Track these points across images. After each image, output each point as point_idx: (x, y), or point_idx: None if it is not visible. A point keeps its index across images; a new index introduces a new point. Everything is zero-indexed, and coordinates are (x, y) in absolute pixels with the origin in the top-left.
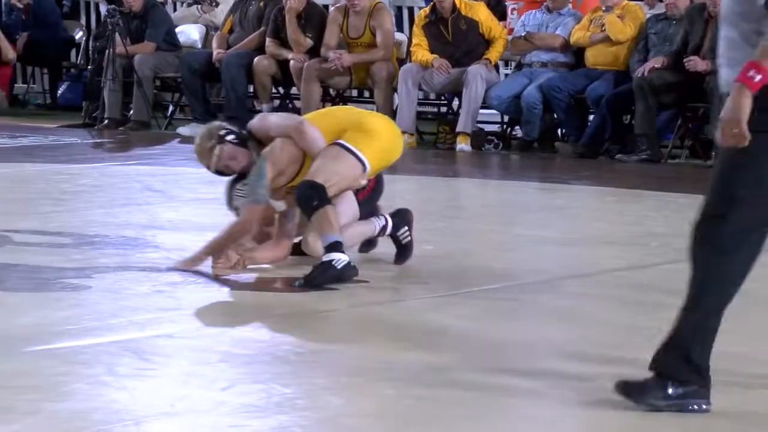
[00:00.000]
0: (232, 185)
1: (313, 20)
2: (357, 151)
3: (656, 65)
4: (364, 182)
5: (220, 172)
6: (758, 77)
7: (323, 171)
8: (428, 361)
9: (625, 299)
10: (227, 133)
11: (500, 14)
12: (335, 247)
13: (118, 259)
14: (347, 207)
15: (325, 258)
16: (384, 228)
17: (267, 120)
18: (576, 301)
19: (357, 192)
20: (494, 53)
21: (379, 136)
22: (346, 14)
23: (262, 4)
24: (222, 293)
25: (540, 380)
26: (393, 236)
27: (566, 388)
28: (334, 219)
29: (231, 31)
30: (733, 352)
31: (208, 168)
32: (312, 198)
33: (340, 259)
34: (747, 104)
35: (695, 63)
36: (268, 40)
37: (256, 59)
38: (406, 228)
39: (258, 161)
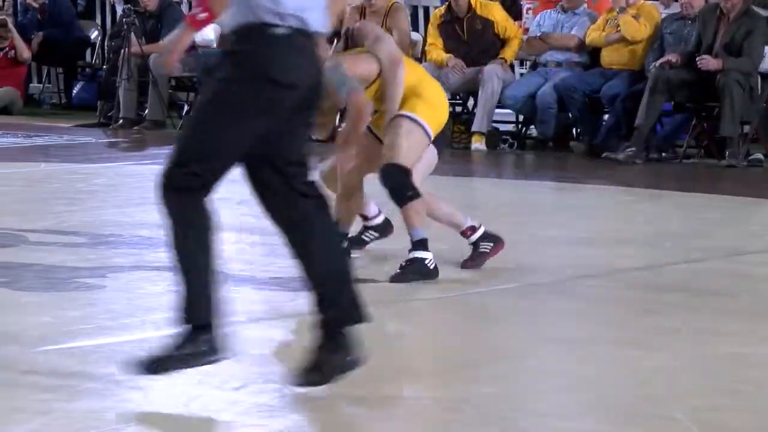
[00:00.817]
0: None
1: None
2: (425, 124)
3: (671, 59)
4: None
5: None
6: (202, 15)
7: (404, 151)
8: (439, 363)
9: (640, 299)
10: None
11: (515, 14)
12: (424, 244)
13: (132, 259)
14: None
15: (417, 255)
16: (473, 230)
17: (374, 30)
18: (592, 301)
19: None
20: (509, 53)
21: (438, 105)
22: (363, 14)
23: None
24: (235, 293)
25: (556, 378)
26: (475, 243)
27: (583, 390)
28: (423, 213)
29: None
30: None
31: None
32: (406, 188)
33: (430, 258)
34: (185, 39)
35: (707, 62)
36: None
37: None
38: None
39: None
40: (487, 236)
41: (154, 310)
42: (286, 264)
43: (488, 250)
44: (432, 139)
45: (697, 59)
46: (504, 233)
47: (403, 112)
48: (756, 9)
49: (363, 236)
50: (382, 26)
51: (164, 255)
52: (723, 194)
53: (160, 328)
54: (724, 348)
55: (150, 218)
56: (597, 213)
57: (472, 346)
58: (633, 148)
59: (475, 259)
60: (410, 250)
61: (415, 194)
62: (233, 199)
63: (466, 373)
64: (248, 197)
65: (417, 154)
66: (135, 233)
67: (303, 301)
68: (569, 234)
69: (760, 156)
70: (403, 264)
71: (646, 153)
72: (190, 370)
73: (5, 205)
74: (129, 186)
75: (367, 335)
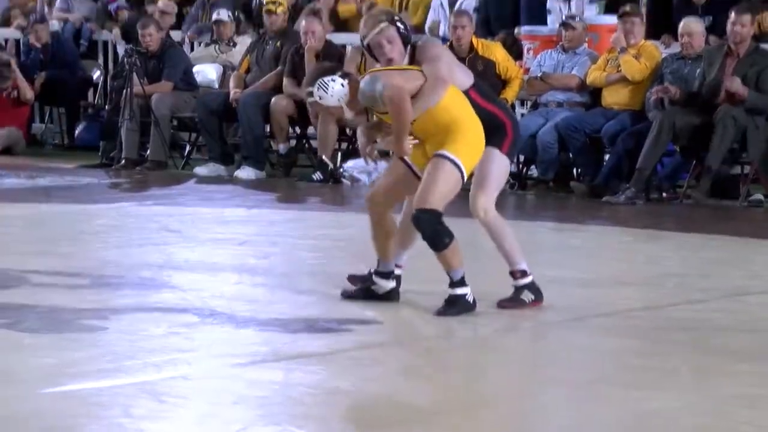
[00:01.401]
0: (321, 74)
1: (331, 59)
2: (464, 169)
3: (671, 90)
4: None
5: (368, 47)
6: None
7: (440, 196)
8: (442, 403)
9: (643, 339)
10: (401, 22)
11: (516, 54)
12: (462, 281)
13: (134, 300)
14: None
15: (459, 292)
16: (523, 275)
17: (435, 50)
18: (594, 341)
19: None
20: (511, 93)
21: (478, 148)
22: (364, 54)
23: (279, 44)
24: (237, 334)
25: (559, 419)
26: (519, 288)
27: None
28: (459, 254)
29: (248, 70)
30: None
31: (363, 37)
32: (443, 235)
33: (469, 293)
34: None
35: (737, 83)
36: (285, 79)
37: (273, 99)
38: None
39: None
40: (532, 287)
41: (156, 351)
42: (288, 305)
43: (528, 302)
44: (465, 179)
45: (725, 81)
46: (506, 273)
47: (448, 153)
48: (763, 46)
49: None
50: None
51: (166, 296)
52: (724, 234)
53: (162, 370)
54: (727, 389)
55: (152, 259)
56: (598, 253)
57: (476, 385)
58: (633, 189)
59: (514, 303)
60: (450, 286)
61: (451, 239)
62: (235, 240)
63: (469, 413)
64: (248, 238)
65: (449, 198)
66: (137, 274)
67: (304, 343)
68: (572, 274)
69: (760, 196)
70: (447, 299)
71: (646, 193)
72: (190, 413)
73: (8, 246)
74: (131, 227)
75: (371, 373)
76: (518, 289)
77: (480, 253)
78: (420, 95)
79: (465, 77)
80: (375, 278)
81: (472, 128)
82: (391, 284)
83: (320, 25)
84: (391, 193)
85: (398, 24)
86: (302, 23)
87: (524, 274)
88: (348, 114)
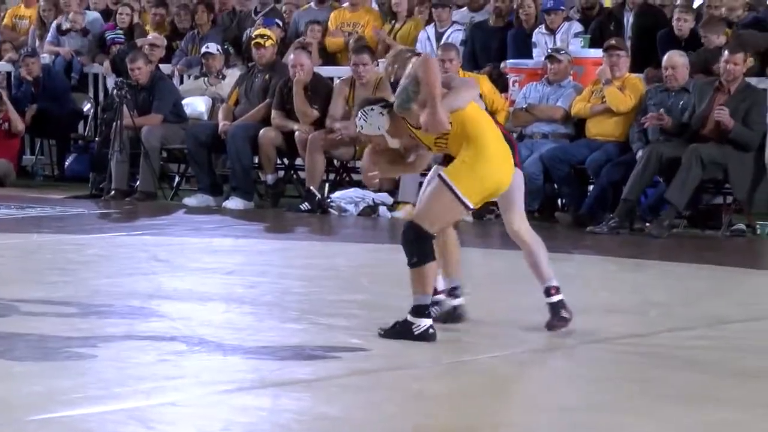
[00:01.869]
0: (363, 105)
1: (319, 92)
2: (459, 192)
3: (663, 119)
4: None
5: (394, 83)
6: None
7: (431, 215)
8: (429, 426)
9: (629, 366)
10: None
11: (502, 86)
12: (419, 310)
13: (123, 329)
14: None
15: (409, 318)
16: (557, 291)
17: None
18: (582, 368)
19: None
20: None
21: (485, 178)
22: (353, 86)
23: (267, 76)
24: (225, 362)
25: None
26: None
27: None
28: (429, 279)
29: (237, 103)
30: None
31: (390, 73)
32: (413, 254)
33: (421, 324)
34: None
35: (725, 113)
36: (273, 111)
37: (261, 131)
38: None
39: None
40: (565, 303)
41: (145, 379)
42: (275, 333)
43: (569, 317)
44: (470, 208)
45: (715, 110)
46: (494, 301)
47: (447, 178)
48: (753, 83)
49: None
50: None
51: (155, 325)
52: (707, 264)
53: (151, 396)
54: (713, 415)
55: (141, 288)
56: (584, 282)
57: (464, 412)
58: (617, 219)
59: (560, 322)
60: (410, 312)
61: (421, 261)
62: (223, 269)
63: None
64: (236, 268)
65: (444, 220)
66: (126, 303)
67: (291, 370)
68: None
69: (742, 226)
70: (398, 323)
71: (630, 223)
72: None
73: None
74: (121, 256)
75: (358, 400)
76: (554, 306)
77: (467, 282)
78: (452, 93)
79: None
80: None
81: (490, 151)
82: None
83: (308, 58)
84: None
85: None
86: (291, 56)
87: (558, 290)
88: (393, 143)
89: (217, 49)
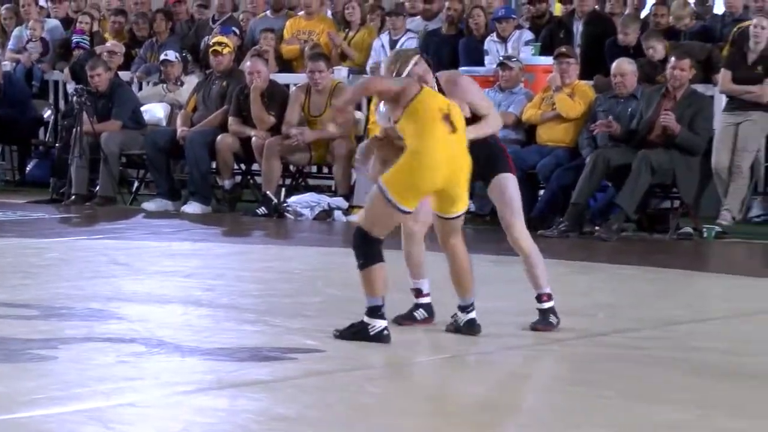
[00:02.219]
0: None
1: (276, 99)
2: (392, 198)
3: (612, 124)
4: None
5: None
6: None
7: (368, 217)
8: (382, 426)
9: (576, 368)
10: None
11: None
12: (373, 311)
13: (84, 331)
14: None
15: (365, 319)
16: (549, 298)
17: (465, 86)
18: (529, 370)
19: None
20: None
21: (414, 185)
22: (308, 93)
23: (224, 83)
24: (184, 363)
25: None
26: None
27: None
28: (378, 281)
29: (195, 109)
30: None
31: (392, 71)
32: (359, 256)
33: (375, 326)
34: None
35: (671, 118)
36: (230, 118)
37: (219, 137)
38: None
39: None
40: (554, 311)
41: (104, 380)
42: (233, 335)
43: (555, 324)
44: (401, 210)
45: (661, 115)
46: (448, 305)
47: (381, 183)
48: (699, 89)
49: (414, 313)
50: (326, 105)
51: (115, 327)
52: (655, 267)
53: (110, 397)
54: (657, 416)
55: (101, 291)
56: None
57: (414, 412)
58: (567, 223)
59: (545, 326)
60: (366, 313)
61: (367, 263)
62: (181, 272)
63: None
64: (194, 271)
65: (384, 223)
66: (86, 306)
67: (249, 371)
68: (509, 305)
69: (689, 230)
70: (353, 324)
71: (579, 227)
72: None
73: None
74: (81, 260)
75: (314, 400)
76: (544, 312)
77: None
78: (483, 122)
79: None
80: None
81: (428, 157)
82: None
83: (265, 65)
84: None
85: (426, 57)
86: (247, 64)
87: (549, 297)
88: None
89: (176, 57)
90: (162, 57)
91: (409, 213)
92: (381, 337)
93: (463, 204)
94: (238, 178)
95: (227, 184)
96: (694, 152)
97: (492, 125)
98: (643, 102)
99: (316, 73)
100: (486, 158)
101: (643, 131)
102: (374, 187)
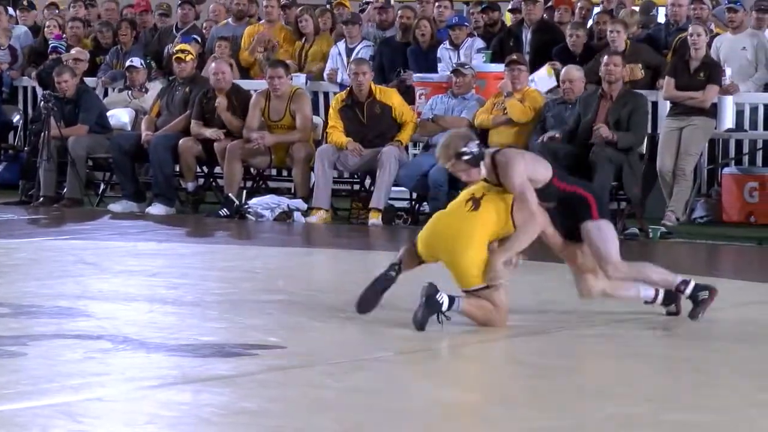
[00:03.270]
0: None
1: (241, 102)
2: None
3: (557, 135)
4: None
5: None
6: None
7: None
8: (341, 419)
9: (530, 363)
10: (464, 154)
11: (409, 98)
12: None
13: (52, 328)
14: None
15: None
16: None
17: (512, 169)
18: (484, 365)
19: None
20: (405, 136)
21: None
22: (268, 98)
23: (187, 89)
24: (149, 359)
25: None
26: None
27: None
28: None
29: (159, 114)
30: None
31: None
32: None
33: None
34: None
35: (604, 129)
36: (192, 122)
37: (181, 141)
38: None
39: None
40: (699, 287)
41: (73, 375)
42: (197, 332)
43: (707, 297)
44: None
45: (594, 128)
46: (402, 302)
47: None
48: (634, 90)
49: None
50: (285, 110)
51: (82, 324)
52: None
53: (78, 392)
54: (607, 409)
55: (68, 290)
56: None
57: (375, 407)
58: None
59: (701, 309)
60: None
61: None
62: (147, 272)
63: None
64: (159, 270)
65: None
66: (55, 304)
67: (212, 366)
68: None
69: (635, 230)
70: None
71: None
72: None
73: None
74: (49, 260)
75: (275, 394)
76: (693, 298)
77: None
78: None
79: (545, 170)
80: None
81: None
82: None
83: (229, 67)
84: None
85: (464, 155)
86: (212, 65)
87: (686, 283)
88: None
89: (141, 63)
90: (127, 63)
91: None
92: None
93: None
94: (201, 181)
95: (190, 186)
96: (633, 149)
97: (523, 239)
98: (580, 107)
99: (275, 78)
100: (570, 205)
101: (583, 136)
102: None
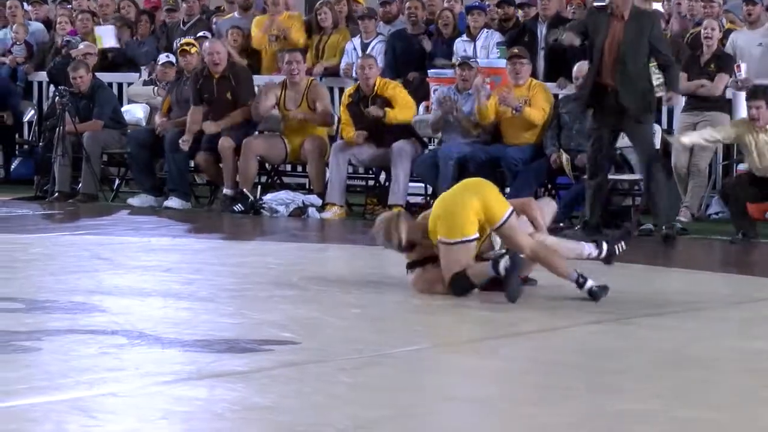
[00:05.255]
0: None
1: (241, 81)
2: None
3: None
4: None
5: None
6: None
7: None
8: (354, 416)
9: (538, 359)
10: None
11: (423, 93)
12: None
13: (67, 323)
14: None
15: None
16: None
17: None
18: (494, 361)
19: None
20: (393, 113)
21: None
22: (284, 88)
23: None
24: (163, 354)
25: None
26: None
27: None
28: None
29: (170, 110)
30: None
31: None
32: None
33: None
34: None
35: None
36: (192, 107)
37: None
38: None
39: None
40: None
41: (87, 370)
42: (210, 327)
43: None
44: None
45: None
46: (412, 298)
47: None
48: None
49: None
50: (302, 100)
51: (97, 319)
52: (618, 262)
53: (93, 387)
54: (618, 405)
55: (83, 285)
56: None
57: (387, 402)
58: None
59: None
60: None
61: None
62: (161, 267)
63: (379, 429)
64: (174, 266)
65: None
66: (69, 299)
67: (226, 362)
68: (475, 299)
69: (650, 226)
70: None
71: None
72: (119, 429)
73: None
74: (64, 255)
75: (289, 390)
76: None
77: (387, 279)
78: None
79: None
80: None
81: None
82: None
83: (223, 46)
84: None
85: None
86: (206, 44)
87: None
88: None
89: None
90: (163, 58)
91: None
92: None
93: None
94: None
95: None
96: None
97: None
98: (590, 25)
99: (293, 63)
100: None
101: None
102: None
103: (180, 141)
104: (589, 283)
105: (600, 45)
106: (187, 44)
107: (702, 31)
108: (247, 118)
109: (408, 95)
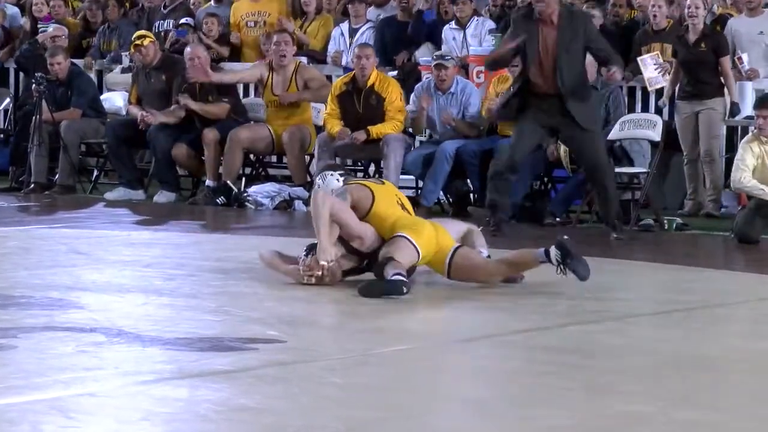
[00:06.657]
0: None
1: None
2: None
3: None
4: None
5: None
6: None
7: None
8: (341, 417)
9: (536, 359)
10: None
11: (414, 80)
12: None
13: (43, 320)
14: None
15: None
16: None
17: None
18: (490, 361)
19: None
20: (378, 129)
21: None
22: (271, 70)
23: (163, 77)
24: (144, 353)
25: None
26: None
27: None
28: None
29: (139, 100)
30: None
31: None
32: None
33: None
34: None
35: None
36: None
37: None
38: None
39: None
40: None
41: (64, 369)
42: (193, 325)
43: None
44: None
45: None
46: (409, 297)
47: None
48: None
49: None
50: (290, 81)
51: (74, 316)
52: (615, 258)
53: (70, 387)
54: (618, 407)
55: (60, 280)
56: None
57: (375, 403)
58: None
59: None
60: None
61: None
62: (141, 262)
63: (366, 430)
64: (155, 261)
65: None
66: (46, 295)
67: (209, 361)
68: (467, 297)
69: (650, 221)
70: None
71: (540, 218)
72: (98, 430)
73: None
74: (40, 249)
75: (275, 391)
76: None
77: None
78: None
79: None
80: None
81: None
82: None
83: (204, 51)
84: None
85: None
86: (187, 49)
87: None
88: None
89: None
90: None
91: None
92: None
93: None
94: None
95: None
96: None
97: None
98: (513, 31)
99: (281, 44)
100: None
101: None
102: None
103: (141, 114)
104: (554, 252)
105: (534, 54)
106: (139, 38)
107: (686, 10)
108: (228, 116)
109: (401, 100)
